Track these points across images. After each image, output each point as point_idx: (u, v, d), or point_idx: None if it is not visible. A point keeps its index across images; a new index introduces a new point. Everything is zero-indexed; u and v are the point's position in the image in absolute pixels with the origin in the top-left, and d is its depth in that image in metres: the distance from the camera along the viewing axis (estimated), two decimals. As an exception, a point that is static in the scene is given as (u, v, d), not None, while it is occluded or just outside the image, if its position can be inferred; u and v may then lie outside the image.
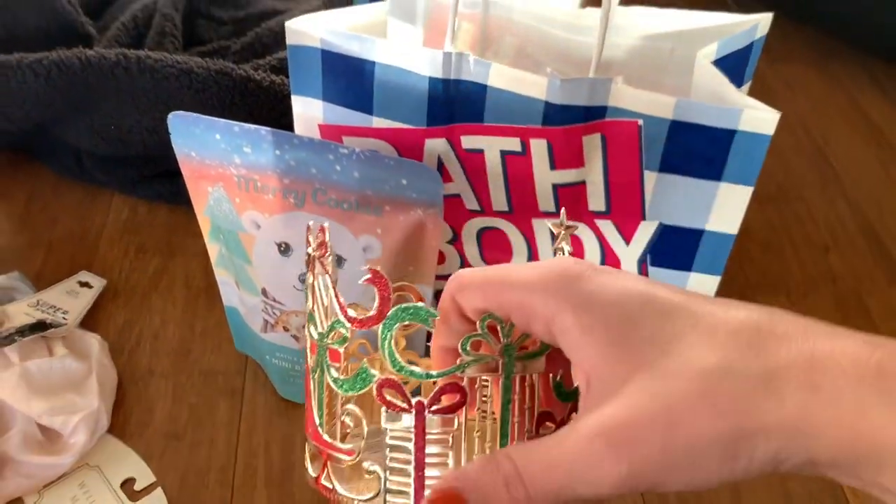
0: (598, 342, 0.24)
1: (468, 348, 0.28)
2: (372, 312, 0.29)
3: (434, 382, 0.29)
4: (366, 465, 0.29)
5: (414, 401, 0.28)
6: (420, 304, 0.29)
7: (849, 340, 0.24)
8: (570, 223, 0.32)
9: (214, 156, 0.45)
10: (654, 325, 0.24)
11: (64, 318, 0.58)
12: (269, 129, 0.43)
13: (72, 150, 0.68)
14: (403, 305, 0.29)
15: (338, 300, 0.30)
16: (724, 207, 0.41)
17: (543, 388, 0.29)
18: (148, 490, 0.50)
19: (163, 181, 0.67)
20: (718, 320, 0.24)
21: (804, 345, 0.24)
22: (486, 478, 0.24)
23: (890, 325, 0.60)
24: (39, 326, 0.55)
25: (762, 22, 0.43)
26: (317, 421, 0.31)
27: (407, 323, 0.29)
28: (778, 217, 0.69)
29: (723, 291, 0.46)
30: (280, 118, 0.60)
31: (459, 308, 0.28)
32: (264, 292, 0.50)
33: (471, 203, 0.46)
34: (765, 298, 0.62)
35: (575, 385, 0.26)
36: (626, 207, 0.43)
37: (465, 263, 0.50)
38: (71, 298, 0.61)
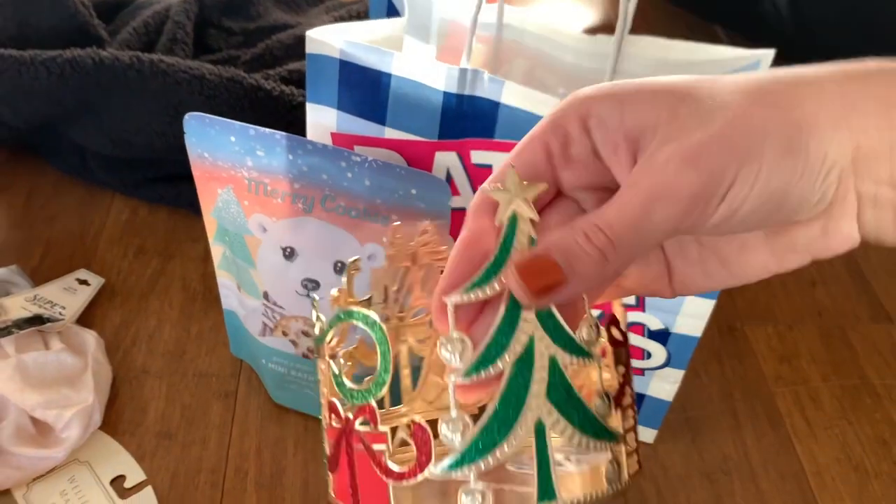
0: (641, 107, 0.26)
1: None
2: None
3: None
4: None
5: None
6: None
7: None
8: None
9: (227, 158, 0.46)
10: (677, 102, 0.25)
11: (61, 314, 0.58)
12: (283, 133, 0.44)
13: (77, 149, 0.69)
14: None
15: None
16: (723, 232, 0.43)
17: None
18: (138, 488, 0.51)
19: (165, 184, 0.68)
20: (722, 88, 0.26)
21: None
22: (566, 239, 0.24)
23: (873, 360, 0.62)
24: (36, 320, 0.56)
25: (764, 57, 0.45)
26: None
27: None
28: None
29: (712, 321, 0.47)
30: (287, 127, 0.60)
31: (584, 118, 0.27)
32: (266, 296, 0.51)
33: (475, 217, 0.47)
34: (752, 327, 0.63)
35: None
36: (627, 228, 0.44)
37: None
38: (68, 295, 0.61)
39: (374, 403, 0.27)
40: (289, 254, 0.48)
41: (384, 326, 0.28)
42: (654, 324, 0.47)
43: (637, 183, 0.24)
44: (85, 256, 0.65)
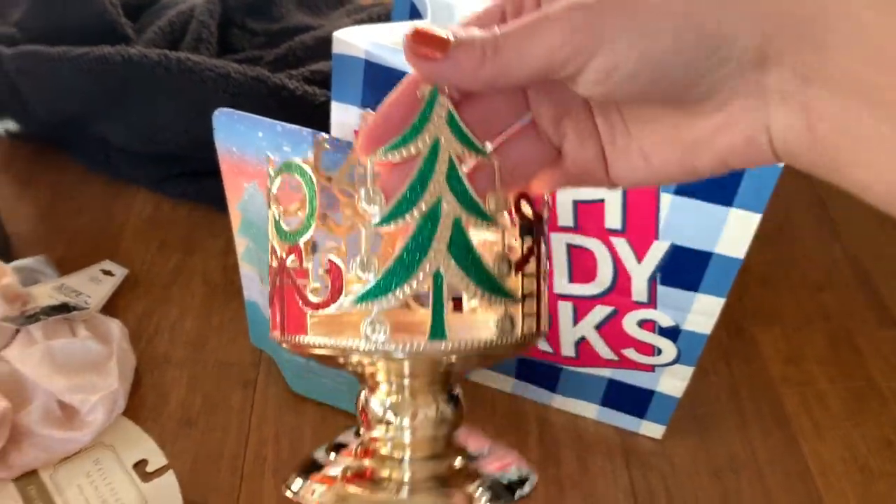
0: None
1: None
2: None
3: None
4: None
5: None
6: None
7: None
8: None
9: (254, 153, 0.48)
10: None
11: (86, 303, 0.60)
12: (309, 130, 0.45)
13: (102, 145, 0.71)
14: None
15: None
16: (733, 232, 0.44)
17: None
18: (160, 472, 0.52)
19: (189, 180, 0.70)
20: None
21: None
22: (471, 38, 0.25)
23: (879, 363, 0.63)
24: (63, 308, 0.57)
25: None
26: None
27: None
28: (776, 256, 0.72)
29: (721, 323, 0.48)
30: (309, 126, 0.63)
31: None
32: (288, 287, 0.52)
33: (492, 214, 0.49)
34: (760, 329, 0.65)
35: None
36: (640, 226, 0.45)
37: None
38: (93, 284, 0.63)
39: (300, 244, 0.30)
40: (312, 247, 0.50)
41: (313, 176, 0.30)
42: (665, 321, 0.49)
43: (542, 8, 0.25)
44: (109, 248, 0.67)
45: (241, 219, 0.52)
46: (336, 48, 0.46)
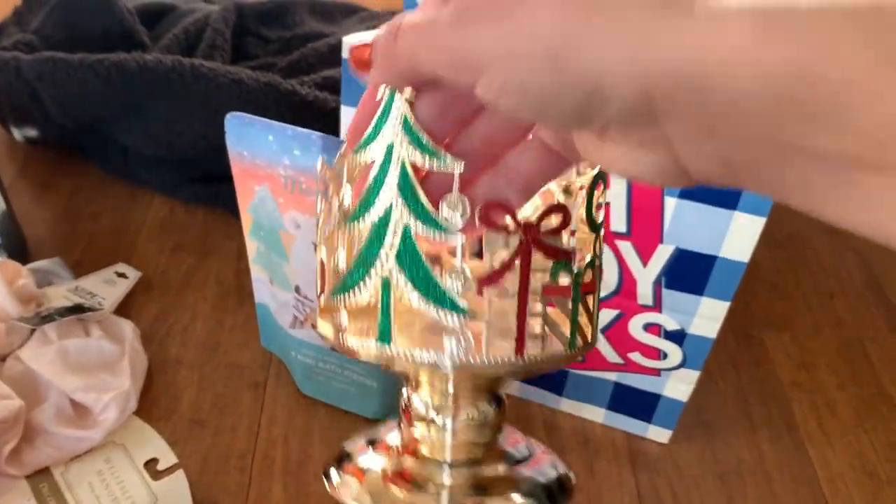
0: None
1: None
2: None
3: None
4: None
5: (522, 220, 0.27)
6: None
7: None
8: None
9: (265, 156, 0.48)
10: None
11: (100, 304, 0.61)
12: (319, 133, 0.46)
13: (119, 150, 0.72)
14: None
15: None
16: (738, 235, 0.44)
17: None
18: (170, 471, 0.53)
19: (203, 184, 0.71)
20: None
21: None
22: (384, 31, 0.25)
23: (891, 370, 0.62)
24: (77, 309, 0.58)
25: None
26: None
27: None
28: (787, 262, 0.72)
29: (729, 329, 0.49)
30: (321, 131, 0.64)
31: None
32: (297, 289, 0.53)
33: (499, 218, 0.49)
34: (769, 336, 0.64)
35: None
36: (645, 230, 0.46)
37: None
38: (107, 286, 0.64)
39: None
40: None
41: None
42: (671, 325, 0.49)
43: (428, 14, 0.24)
44: (124, 251, 0.68)
45: (252, 222, 0.53)
46: (346, 53, 0.47)
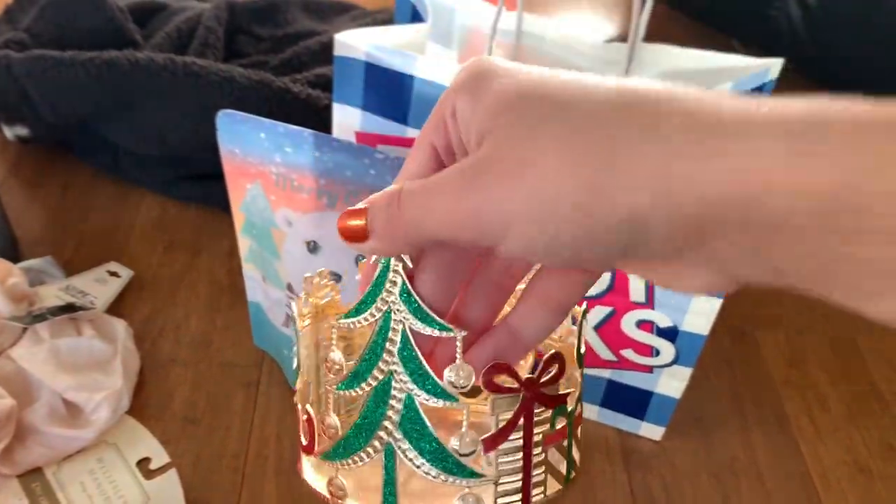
0: (487, 111, 0.23)
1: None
2: None
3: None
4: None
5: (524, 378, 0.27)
6: None
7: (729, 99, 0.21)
8: None
9: (256, 154, 0.48)
10: (534, 90, 0.23)
11: (92, 303, 0.61)
12: (310, 131, 0.46)
13: (110, 148, 0.72)
14: None
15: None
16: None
17: None
18: (162, 470, 0.53)
19: (194, 183, 0.70)
20: (592, 83, 0.22)
21: (686, 97, 0.21)
22: (381, 200, 0.25)
23: (882, 367, 0.63)
24: (69, 308, 0.58)
25: (773, 66, 0.46)
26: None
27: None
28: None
29: (722, 324, 0.49)
30: (313, 129, 0.63)
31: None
32: (289, 287, 0.53)
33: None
34: (762, 333, 0.65)
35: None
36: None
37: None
38: (99, 285, 0.63)
39: (298, 386, 0.31)
40: (312, 247, 0.50)
41: (303, 331, 0.31)
42: (663, 321, 0.49)
43: (435, 182, 0.24)
44: (116, 250, 0.68)
45: (244, 219, 0.53)
46: (337, 50, 0.47)
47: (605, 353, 0.52)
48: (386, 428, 0.26)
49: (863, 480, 0.54)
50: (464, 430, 0.27)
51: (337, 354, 0.28)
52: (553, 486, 0.29)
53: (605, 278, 0.48)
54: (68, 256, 0.67)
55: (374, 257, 0.26)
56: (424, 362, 0.26)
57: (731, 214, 0.20)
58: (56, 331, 0.56)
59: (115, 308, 0.62)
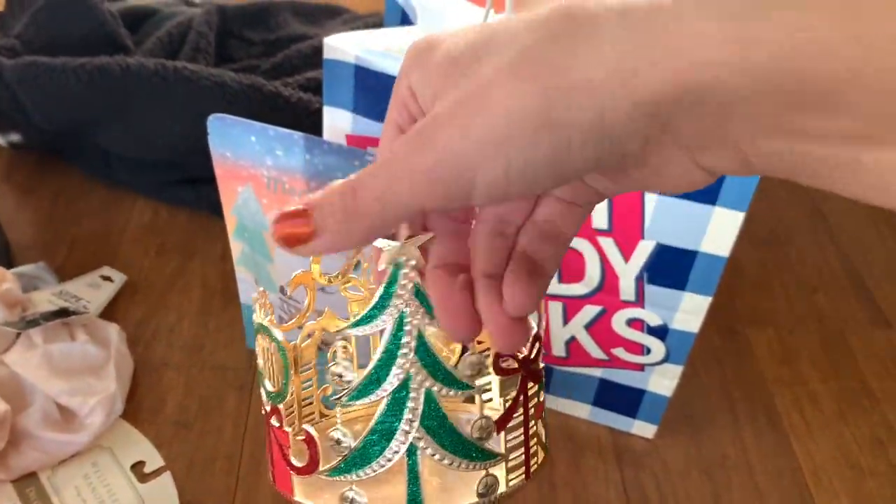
0: (437, 74, 0.23)
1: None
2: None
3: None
4: None
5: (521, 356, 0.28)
6: None
7: None
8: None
9: (248, 157, 0.49)
10: (477, 38, 0.23)
11: (85, 308, 0.61)
12: (301, 133, 0.46)
13: (102, 153, 0.72)
14: None
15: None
16: (718, 230, 0.45)
17: None
18: (157, 473, 0.53)
19: (186, 187, 0.71)
20: (531, 16, 0.22)
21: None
22: (325, 195, 0.24)
23: (872, 363, 0.63)
24: (62, 313, 0.58)
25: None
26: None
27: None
28: (770, 258, 0.73)
29: (713, 323, 0.49)
30: (306, 132, 0.64)
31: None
32: (282, 290, 0.53)
33: (482, 216, 0.49)
34: (753, 331, 0.65)
35: None
36: (627, 226, 0.46)
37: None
38: (92, 290, 0.64)
39: (280, 407, 0.30)
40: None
41: (286, 349, 0.30)
42: (653, 320, 0.49)
43: (388, 154, 0.23)
44: (109, 255, 0.68)
45: (236, 223, 0.53)
46: (327, 54, 0.47)
47: (596, 352, 0.52)
48: (406, 429, 0.27)
49: (853, 476, 0.55)
50: (479, 414, 0.28)
51: (340, 367, 0.28)
52: (541, 455, 0.31)
53: (596, 278, 0.48)
54: (61, 261, 0.67)
55: (379, 265, 0.26)
56: (440, 356, 0.27)
57: (684, 97, 0.20)
58: (49, 336, 0.56)
59: (108, 312, 0.62)
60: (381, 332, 0.27)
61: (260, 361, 0.32)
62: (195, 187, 0.70)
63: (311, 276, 0.33)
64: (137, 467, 0.53)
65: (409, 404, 0.27)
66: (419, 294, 0.26)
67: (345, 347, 0.29)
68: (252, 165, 0.49)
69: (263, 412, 0.32)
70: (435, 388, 0.27)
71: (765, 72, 0.18)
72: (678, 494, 0.53)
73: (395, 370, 0.26)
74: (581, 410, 0.57)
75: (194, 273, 0.67)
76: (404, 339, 0.26)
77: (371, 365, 0.27)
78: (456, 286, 0.26)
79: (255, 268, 0.54)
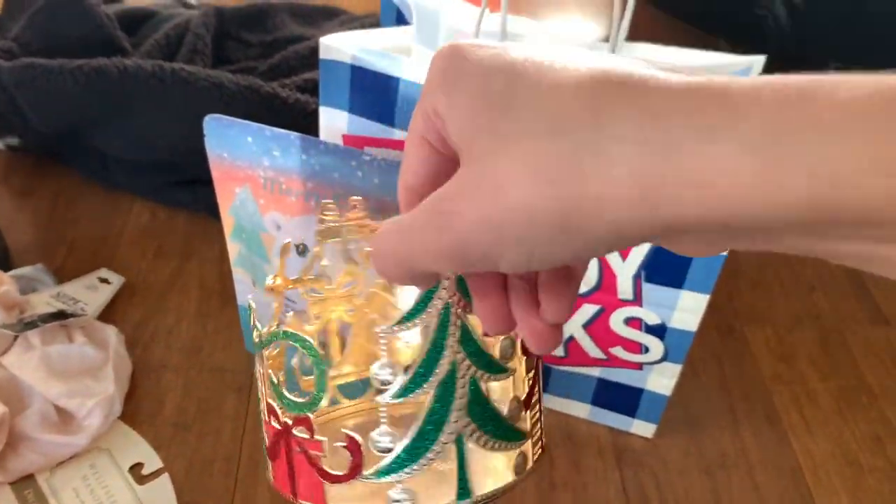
0: (462, 116, 0.23)
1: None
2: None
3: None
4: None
5: None
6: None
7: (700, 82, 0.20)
8: None
9: (244, 157, 0.48)
10: (504, 88, 0.22)
11: (83, 310, 0.61)
12: (298, 134, 0.46)
13: (99, 155, 0.72)
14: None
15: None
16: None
17: None
18: (155, 475, 0.53)
19: (184, 188, 0.71)
20: (563, 74, 0.21)
21: (648, 93, 0.20)
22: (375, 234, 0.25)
23: (870, 361, 0.63)
24: (60, 315, 0.58)
25: (756, 63, 0.47)
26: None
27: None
28: (767, 257, 0.73)
29: (712, 323, 0.49)
30: (303, 133, 0.64)
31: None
32: (280, 291, 0.53)
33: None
34: (751, 329, 0.65)
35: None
36: (624, 225, 0.46)
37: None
38: (90, 292, 0.64)
39: (311, 416, 0.30)
40: (302, 250, 0.50)
41: (319, 351, 0.30)
42: (652, 319, 0.49)
43: (409, 221, 0.24)
44: (106, 257, 0.68)
45: (234, 224, 0.53)
46: (323, 54, 0.47)
47: (594, 352, 0.52)
48: (454, 419, 0.27)
49: (852, 473, 0.55)
50: (514, 395, 0.29)
51: (384, 365, 0.28)
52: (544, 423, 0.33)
53: (593, 277, 0.48)
54: (59, 264, 0.67)
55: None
56: (483, 344, 0.28)
57: (707, 224, 0.20)
58: (47, 338, 0.56)
59: (107, 314, 0.62)
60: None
61: (270, 371, 0.32)
62: (193, 189, 0.70)
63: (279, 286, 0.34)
64: (136, 469, 0.53)
65: (458, 393, 0.27)
66: (461, 284, 0.27)
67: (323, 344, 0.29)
68: (249, 166, 0.49)
69: (276, 426, 0.31)
70: (478, 375, 0.27)
71: (798, 208, 0.18)
72: (678, 493, 0.53)
73: (442, 361, 0.27)
74: (580, 410, 0.57)
75: (192, 275, 0.67)
76: (450, 329, 0.27)
77: (419, 360, 0.27)
78: (491, 284, 0.26)
79: (252, 269, 0.54)
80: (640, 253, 0.47)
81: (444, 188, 0.23)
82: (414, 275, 0.24)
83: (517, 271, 0.23)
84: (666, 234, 0.21)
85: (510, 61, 0.23)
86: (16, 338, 0.56)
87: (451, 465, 0.28)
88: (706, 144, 0.19)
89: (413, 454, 0.27)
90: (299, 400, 0.31)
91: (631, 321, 0.50)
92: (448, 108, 0.23)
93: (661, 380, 0.53)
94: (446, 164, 0.25)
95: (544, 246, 0.21)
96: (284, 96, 0.65)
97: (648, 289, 0.48)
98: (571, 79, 0.21)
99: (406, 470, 0.28)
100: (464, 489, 0.28)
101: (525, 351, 0.31)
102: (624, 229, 0.20)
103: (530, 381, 0.31)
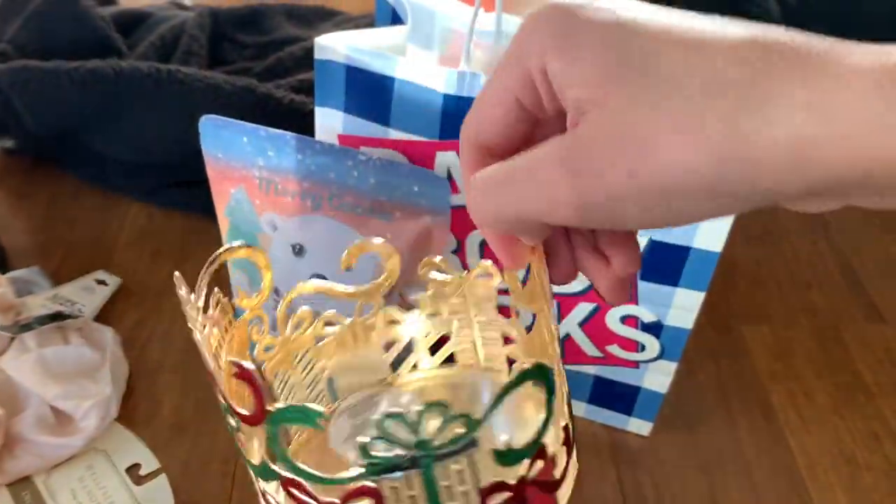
0: (590, 73, 0.22)
1: (370, 451, 0.28)
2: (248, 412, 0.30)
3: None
4: None
5: None
6: (309, 405, 0.29)
7: (860, 50, 0.19)
8: None
9: (240, 158, 0.49)
10: (638, 46, 0.21)
11: (80, 312, 0.61)
12: (293, 134, 0.46)
13: (96, 157, 0.72)
14: (290, 406, 0.30)
15: (226, 401, 0.32)
16: (710, 226, 0.45)
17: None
18: (152, 476, 0.53)
19: (180, 190, 0.71)
20: (708, 35, 0.21)
21: (809, 57, 0.20)
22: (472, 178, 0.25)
23: (866, 358, 0.63)
24: (57, 317, 0.58)
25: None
26: None
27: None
28: (764, 255, 0.73)
29: (707, 319, 0.49)
30: (298, 133, 0.64)
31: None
32: (276, 291, 0.53)
33: (475, 215, 0.49)
34: (747, 327, 0.65)
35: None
36: (619, 223, 0.46)
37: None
38: (87, 294, 0.64)
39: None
40: (298, 250, 0.51)
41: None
42: (647, 316, 0.49)
43: (533, 164, 0.23)
44: (103, 258, 0.68)
45: (229, 225, 0.53)
46: (318, 54, 0.47)
47: (590, 350, 0.52)
48: None
49: (849, 470, 0.55)
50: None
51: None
52: None
53: (589, 275, 0.49)
54: (55, 266, 0.67)
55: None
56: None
57: (847, 177, 0.20)
58: (43, 340, 0.56)
59: (103, 316, 0.62)
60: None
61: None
62: (189, 190, 0.70)
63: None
64: (133, 470, 0.53)
65: None
66: None
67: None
68: (244, 166, 0.49)
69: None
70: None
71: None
72: (674, 491, 0.53)
73: None
74: (576, 408, 0.57)
75: (189, 276, 0.66)
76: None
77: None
78: (559, 237, 0.27)
79: (248, 269, 0.54)
80: (635, 251, 0.47)
81: (568, 140, 0.22)
82: (524, 226, 0.24)
83: (641, 228, 0.23)
84: (802, 197, 0.21)
85: (632, 19, 0.22)
86: (12, 340, 0.56)
87: None
88: (859, 111, 0.19)
89: None
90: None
91: (627, 319, 0.50)
92: (568, 65, 0.22)
93: (658, 378, 0.53)
94: (531, 128, 0.25)
95: (688, 205, 0.21)
96: (280, 97, 0.65)
97: (644, 286, 0.48)
98: (724, 40, 0.21)
99: None
100: None
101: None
102: (770, 194, 0.20)
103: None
